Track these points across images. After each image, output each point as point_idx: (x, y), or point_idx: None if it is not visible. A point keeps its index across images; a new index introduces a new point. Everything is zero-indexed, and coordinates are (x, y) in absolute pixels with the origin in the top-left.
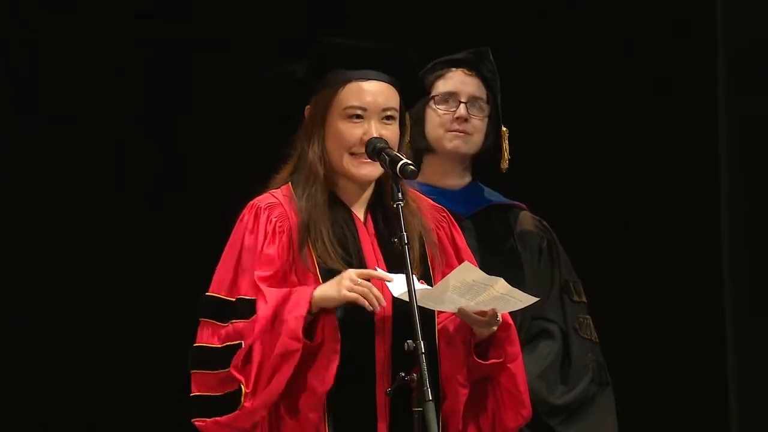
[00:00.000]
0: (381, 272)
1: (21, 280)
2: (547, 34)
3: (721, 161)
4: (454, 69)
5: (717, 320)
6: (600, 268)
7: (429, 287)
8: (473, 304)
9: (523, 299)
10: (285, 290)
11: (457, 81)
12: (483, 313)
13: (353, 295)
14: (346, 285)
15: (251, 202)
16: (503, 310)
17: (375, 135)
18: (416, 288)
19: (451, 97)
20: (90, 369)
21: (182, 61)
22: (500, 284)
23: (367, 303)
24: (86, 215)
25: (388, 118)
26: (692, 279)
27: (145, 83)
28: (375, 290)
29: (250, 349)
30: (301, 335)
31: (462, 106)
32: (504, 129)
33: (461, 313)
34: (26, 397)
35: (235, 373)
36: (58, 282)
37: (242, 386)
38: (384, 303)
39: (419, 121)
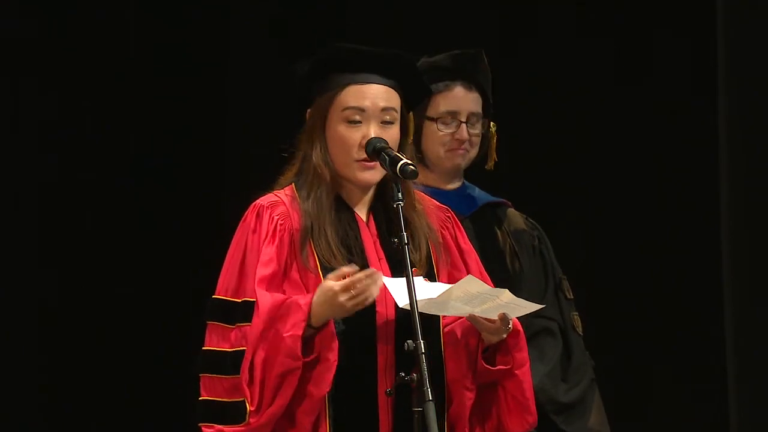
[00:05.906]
0: (349, 268)
1: (20, 278)
2: (547, 33)
3: (721, 161)
4: (454, 83)
5: (717, 320)
6: (599, 268)
7: (432, 297)
8: (478, 311)
9: (527, 306)
10: (279, 298)
11: (458, 99)
12: (492, 320)
13: (355, 307)
14: (340, 302)
15: (254, 202)
16: (510, 316)
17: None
18: (420, 295)
19: (451, 116)
20: (88, 368)
21: (182, 60)
22: (505, 295)
23: (370, 300)
24: (86, 215)
25: (387, 122)
26: (692, 279)
27: (145, 84)
28: (366, 284)
29: (252, 364)
30: (299, 354)
31: (463, 126)
32: (492, 124)
33: (471, 319)
34: (25, 389)
35: (244, 387)
36: (57, 280)
37: (247, 403)
38: (380, 283)
39: (416, 133)
